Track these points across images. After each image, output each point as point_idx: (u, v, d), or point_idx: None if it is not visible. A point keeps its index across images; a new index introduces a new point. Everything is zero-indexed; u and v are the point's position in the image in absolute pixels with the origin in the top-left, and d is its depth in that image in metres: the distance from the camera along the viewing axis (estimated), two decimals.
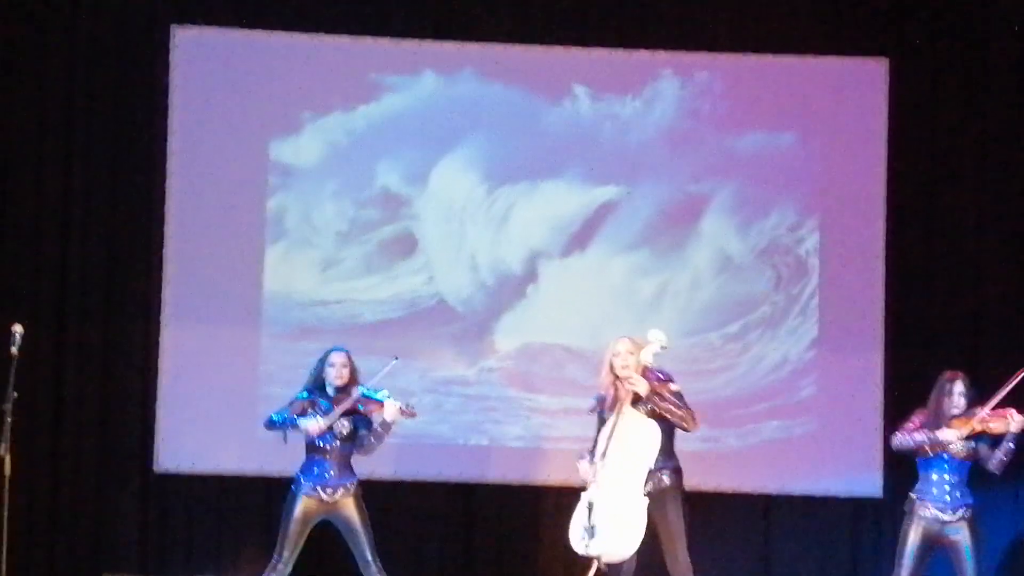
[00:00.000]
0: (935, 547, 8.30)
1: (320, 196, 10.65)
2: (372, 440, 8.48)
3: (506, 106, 10.75)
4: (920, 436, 8.24)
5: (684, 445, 8.63)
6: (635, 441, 8.21)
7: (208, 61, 10.57)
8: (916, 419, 8.36)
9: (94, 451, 10.25)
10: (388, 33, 10.61)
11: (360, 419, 8.50)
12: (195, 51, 10.54)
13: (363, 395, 8.44)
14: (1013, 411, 8.11)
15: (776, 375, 10.73)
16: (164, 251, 10.42)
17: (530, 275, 10.76)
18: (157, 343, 10.35)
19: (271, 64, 10.60)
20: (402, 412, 8.43)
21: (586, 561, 8.10)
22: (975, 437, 8.20)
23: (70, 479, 10.21)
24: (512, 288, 10.74)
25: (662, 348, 8.38)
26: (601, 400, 8.52)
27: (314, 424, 8.40)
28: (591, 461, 8.23)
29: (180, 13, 10.44)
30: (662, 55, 10.71)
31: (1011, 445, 8.11)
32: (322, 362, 8.60)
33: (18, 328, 7.80)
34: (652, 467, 8.23)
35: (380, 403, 8.40)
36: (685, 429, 8.40)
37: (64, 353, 10.25)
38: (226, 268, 10.51)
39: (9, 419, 7.63)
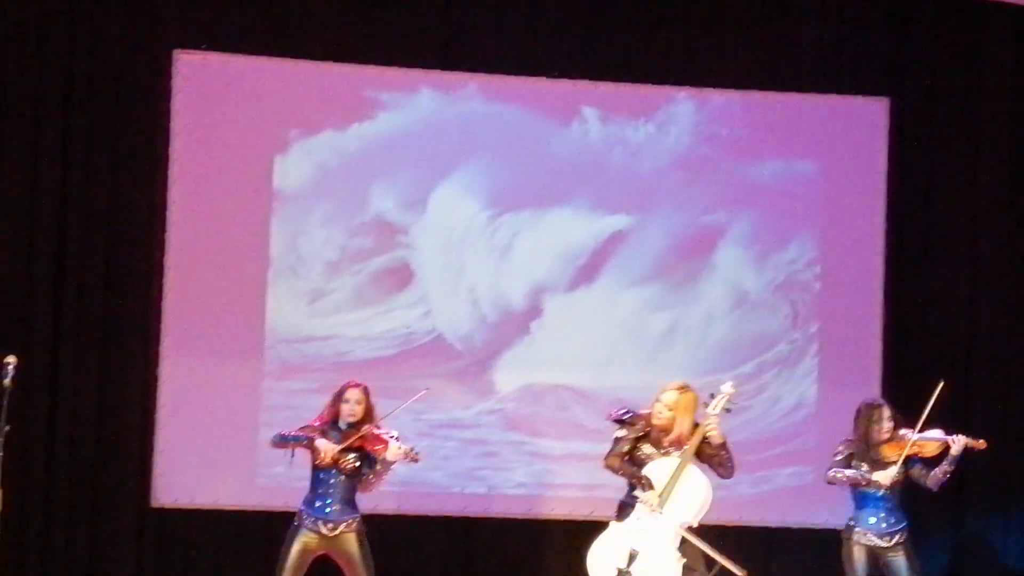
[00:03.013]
0: (878, 565, 8.47)
1: (308, 222, 10.04)
2: (372, 478, 8.29)
3: (510, 128, 10.23)
4: (852, 474, 8.43)
5: None
6: (694, 500, 8.15)
7: (210, 87, 10.00)
8: (844, 449, 8.51)
9: (89, 485, 9.87)
10: (390, 63, 10.16)
11: (366, 456, 8.25)
12: (197, 76, 9.97)
13: (372, 433, 8.18)
14: (939, 431, 8.40)
15: (791, 418, 10.35)
16: (163, 280, 9.94)
17: (534, 310, 10.25)
18: (155, 374, 9.91)
19: (272, 89, 10.04)
20: (405, 455, 8.17)
21: None
22: (907, 461, 8.39)
23: (64, 513, 9.83)
24: (514, 324, 10.23)
25: (732, 401, 8.27)
26: (636, 418, 8.28)
27: (328, 446, 8.12)
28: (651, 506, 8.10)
29: (182, 39, 10.00)
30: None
31: (951, 465, 8.38)
32: (337, 396, 8.32)
33: (11, 360, 7.70)
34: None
35: (385, 442, 8.14)
36: (726, 478, 8.36)
37: (59, 384, 9.83)
38: (226, 299, 9.96)
39: (0, 453, 7.56)
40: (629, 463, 8.24)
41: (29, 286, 9.80)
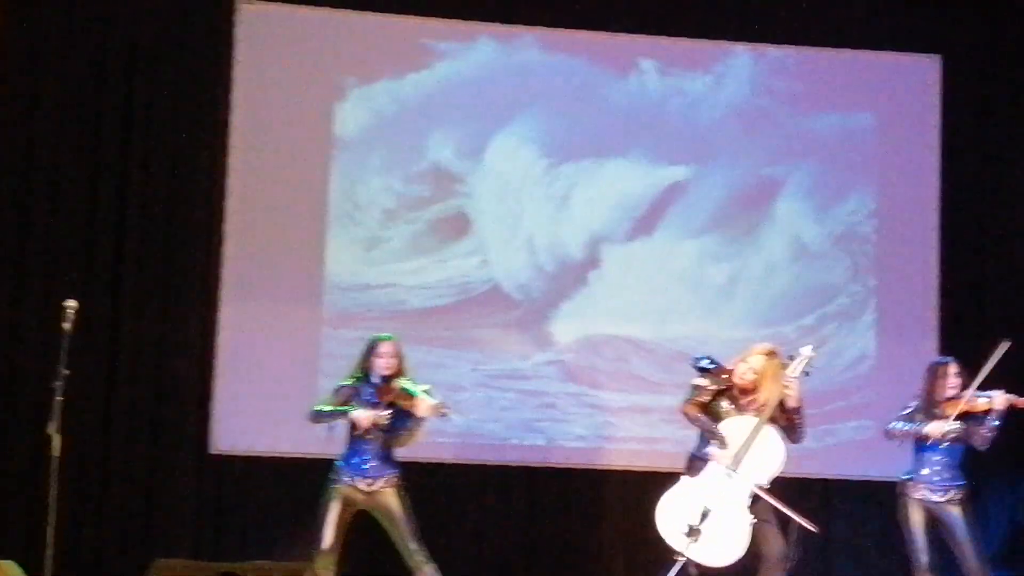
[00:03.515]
0: (936, 525, 8.36)
1: (365, 170, 9.95)
2: (406, 434, 8.17)
3: (569, 78, 10.14)
4: (905, 426, 8.37)
5: None
6: (769, 462, 8.05)
7: (271, 37, 9.96)
8: (910, 405, 8.43)
9: (147, 431, 9.78)
10: (449, 15, 10.12)
11: (400, 411, 8.13)
12: (259, 27, 9.93)
13: (402, 389, 8.10)
14: (999, 391, 8.26)
15: (853, 371, 10.21)
16: (224, 228, 9.84)
17: (592, 260, 10.11)
18: (215, 322, 9.80)
19: (331, 40, 10.00)
20: (435, 410, 8.07)
21: (674, 552, 7.95)
22: (964, 417, 8.30)
23: (122, 459, 9.73)
24: (572, 274, 10.09)
25: (811, 364, 8.15)
26: (720, 370, 8.14)
27: (364, 416, 8.04)
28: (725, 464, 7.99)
29: None
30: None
31: (995, 422, 8.26)
32: (369, 350, 8.18)
33: (71, 303, 7.64)
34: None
35: (416, 399, 8.05)
36: (795, 443, 8.23)
37: (119, 331, 9.74)
38: (285, 246, 9.86)
39: (60, 397, 7.50)
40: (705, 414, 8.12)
41: (91, 232, 9.74)
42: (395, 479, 8.18)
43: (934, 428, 8.26)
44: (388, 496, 8.15)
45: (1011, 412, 8.29)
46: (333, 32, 10.01)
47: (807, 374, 8.14)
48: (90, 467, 9.60)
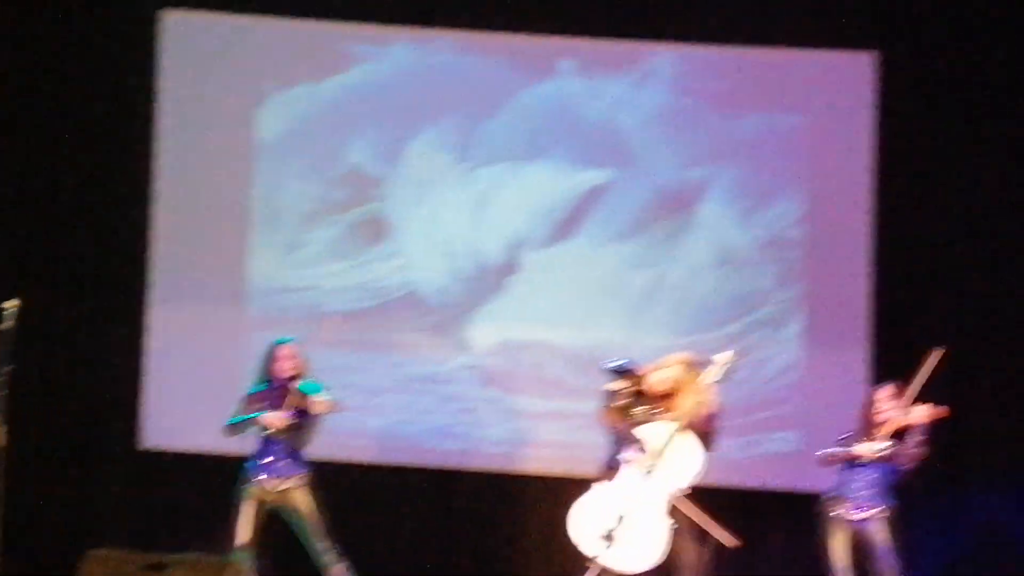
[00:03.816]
0: (857, 543, 8.35)
1: (286, 174, 10.05)
2: (304, 432, 8.49)
3: (485, 82, 10.08)
4: (835, 450, 8.38)
5: None
6: (687, 467, 7.98)
7: (197, 45, 10.12)
8: (849, 433, 8.43)
9: (82, 426, 10.05)
10: (363, 18, 10.16)
11: (303, 411, 8.46)
12: (184, 35, 10.09)
13: (299, 389, 8.40)
14: (921, 406, 8.24)
15: (779, 382, 10.01)
16: (153, 231, 10.06)
17: (511, 265, 10.06)
18: (144, 323, 10.04)
19: (253, 46, 10.11)
20: (331, 408, 8.40)
21: (588, 560, 7.91)
22: (898, 435, 8.27)
23: (57, 453, 10.02)
24: (491, 278, 10.05)
25: (731, 369, 8.06)
26: (633, 374, 8.10)
27: (272, 418, 8.38)
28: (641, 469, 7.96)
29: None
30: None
31: (919, 438, 8.21)
32: (270, 354, 8.56)
33: (10, 304, 8.00)
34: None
35: (311, 397, 8.38)
36: (708, 451, 8.13)
37: (55, 328, 9.96)
38: (211, 250, 10.05)
39: (5, 392, 8.04)
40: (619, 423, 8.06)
41: (26, 236, 10.01)
42: (304, 478, 8.44)
43: (864, 449, 8.25)
44: (297, 495, 8.41)
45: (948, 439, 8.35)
46: (253, 38, 10.10)
47: (726, 380, 8.04)
48: (29, 461, 9.66)
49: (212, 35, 10.11)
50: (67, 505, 9.97)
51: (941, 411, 8.21)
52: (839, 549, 8.29)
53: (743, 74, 10.13)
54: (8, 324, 7.98)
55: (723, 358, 8.03)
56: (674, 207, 10.07)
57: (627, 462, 7.96)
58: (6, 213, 10.06)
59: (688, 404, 7.94)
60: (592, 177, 10.02)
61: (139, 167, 10.07)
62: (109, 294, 10.09)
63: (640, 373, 8.09)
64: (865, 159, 10.10)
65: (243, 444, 9.42)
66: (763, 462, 9.98)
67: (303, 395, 8.37)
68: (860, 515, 8.26)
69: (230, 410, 8.56)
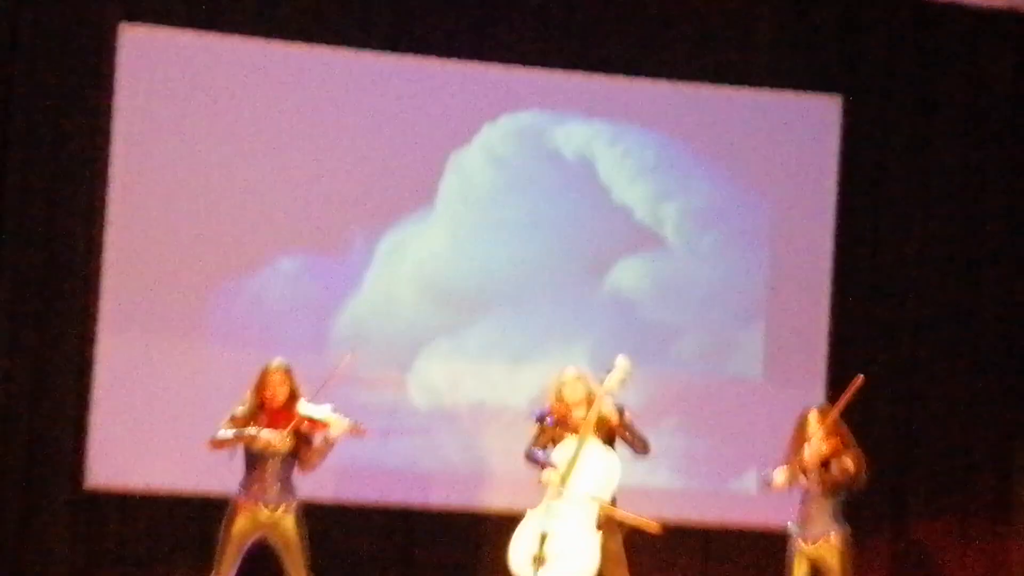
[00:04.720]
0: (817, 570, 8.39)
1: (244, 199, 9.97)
2: (314, 457, 8.20)
3: (457, 108, 10.22)
4: (767, 476, 8.40)
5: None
6: (600, 473, 8.06)
7: (156, 61, 9.84)
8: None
9: (22, 465, 9.70)
10: (330, 41, 10.08)
11: (301, 436, 8.16)
12: (143, 51, 9.81)
13: (304, 414, 8.08)
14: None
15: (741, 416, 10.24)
16: (103, 257, 9.76)
17: (475, 298, 10.16)
18: (92, 353, 9.73)
19: (220, 66, 9.93)
20: (351, 431, 8.12)
21: None
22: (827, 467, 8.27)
23: None
24: (453, 311, 10.12)
25: (627, 376, 8.10)
26: (545, 416, 8.24)
27: (276, 437, 8.04)
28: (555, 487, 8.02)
29: (128, 12, 9.85)
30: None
31: (834, 467, 8.21)
32: (262, 378, 8.19)
33: None
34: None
35: (324, 422, 8.08)
36: (642, 454, 8.26)
37: None
38: (166, 275, 9.79)
39: None
40: (538, 453, 8.18)
41: None
42: (294, 506, 8.17)
43: (775, 476, 8.32)
44: (288, 522, 8.14)
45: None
46: (213, 56, 9.92)
47: (623, 388, 8.10)
48: None
49: (171, 51, 9.84)
50: (5, 549, 9.60)
51: (839, 441, 8.24)
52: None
53: (709, 112, 10.32)
54: None
55: (621, 363, 8.11)
56: (638, 241, 10.22)
57: (543, 483, 8.08)
58: None
59: (589, 416, 8.03)
60: (556, 212, 10.16)
61: (91, 188, 9.73)
62: (54, 322, 9.67)
63: (551, 409, 8.23)
64: (829, 199, 10.38)
65: (197, 482, 9.40)
66: (725, 499, 10.20)
67: (310, 419, 8.08)
68: (810, 545, 8.32)
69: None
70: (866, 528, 9.62)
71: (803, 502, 8.37)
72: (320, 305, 9.94)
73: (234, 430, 8.07)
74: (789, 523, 8.45)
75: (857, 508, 8.70)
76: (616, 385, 8.09)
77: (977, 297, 10.48)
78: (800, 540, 8.35)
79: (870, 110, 10.51)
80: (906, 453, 10.14)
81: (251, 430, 8.04)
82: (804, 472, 8.28)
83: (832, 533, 8.31)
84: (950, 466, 10.31)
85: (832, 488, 8.27)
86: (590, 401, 8.12)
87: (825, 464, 8.27)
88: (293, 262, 9.94)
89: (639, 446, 8.21)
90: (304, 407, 8.11)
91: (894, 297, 10.47)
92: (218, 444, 8.09)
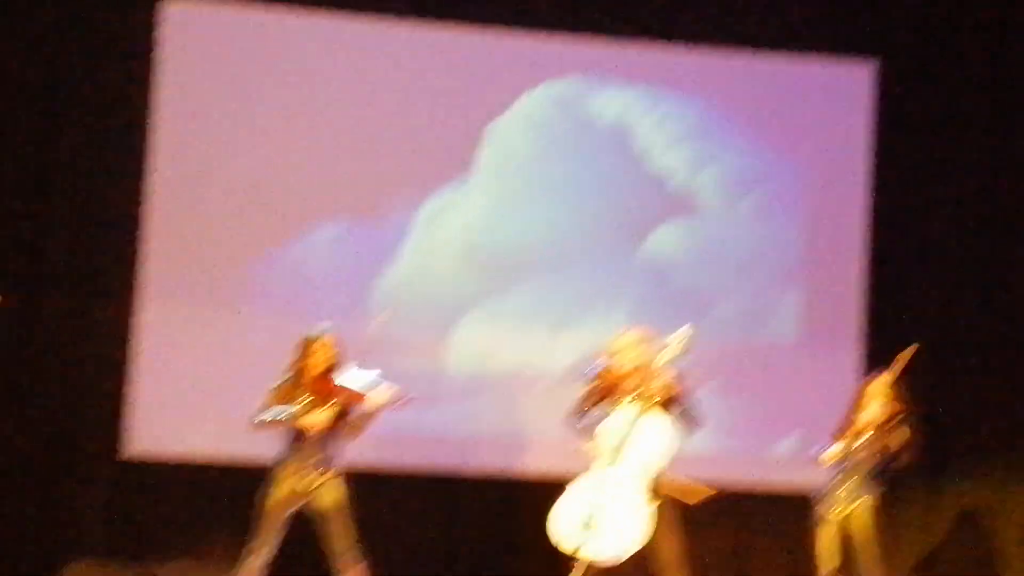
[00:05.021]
0: (845, 535, 8.45)
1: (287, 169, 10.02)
2: (357, 426, 8.20)
3: (495, 78, 10.24)
4: (828, 450, 8.43)
5: None
6: (652, 447, 8.08)
7: (196, 37, 9.90)
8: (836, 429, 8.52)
9: (63, 433, 9.71)
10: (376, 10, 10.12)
11: (344, 407, 8.16)
12: (185, 23, 9.87)
13: (343, 386, 8.09)
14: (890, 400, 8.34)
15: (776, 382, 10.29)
16: (146, 226, 9.81)
17: (514, 264, 10.21)
18: (131, 323, 9.77)
19: (260, 38, 9.97)
20: (393, 400, 8.11)
21: (573, 558, 8.01)
22: (883, 431, 8.36)
23: (37, 463, 9.68)
24: (493, 278, 10.17)
25: (689, 346, 8.10)
26: (595, 376, 8.25)
27: (318, 418, 8.04)
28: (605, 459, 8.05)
29: None
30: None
31: (894, 435, 8.29)
32: (305, 345, 8.17)
33: None
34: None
35: (364, 392, 8.07)
36: (692, 430, 8.26)
37: (35, 330, 9.71)
38: (207, 243, 9.85)
39: None
40: (587, 419, 8.21)
41: (11, 229, 9.69)
42: (335, 474, 8.18)
43: (825, 456, 8.44)
44: (329, 492, 8.14)
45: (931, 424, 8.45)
46: (256, 30, 9.98)
47: (683, 358, 8.12)
48: (5, 469, 9.57)
49: (211, 23, 9.92)
50: (44, 517, 9.62)
51: (900, 407, 8.39)
52: (826, 541, 8.45)
53: (745, 77, 10.34)
54: None
55: (682, 333, 8.12)
56: (675, 207, 10.26)
57: (595, 453, 8.11)
58: None
59: (649, 385, 8.07)
60: (593, 178, 10.20)
61: (133, 160, 9.78)
62: (96, 292, 9.73)
63: (602, 372, 8.26)
64: (864, 163, 10.38)
65: (233, 449, 9.44)
66: (759, 462, 10.23)
67: (349, 392, 8.10)
68: (843, 508, 8.41)
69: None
70: (900, 492, 9.67)
71: (840, 467, 8.44)
72: (360, 272, 9.97)
73: (272, 412, 8.06)
74: (819, 487, 8.53)
75: (893, 472, 8.73)
76: (678, 355, 8.07)
77: (1012, 259, 10.44)
78: (830, 504, 8.43)
79: (904, 74, 10.46)
80: (941, 416, 10.14)
81: (290, 411, 8.04)
82: (857, 436, 8.35)
83: (863, 499, 8.41)
84: (987, 428, 10.29)
85: (883, 454, 8.35)
86: (644, 369, 8.12)
87: (878, 429, 8.34)
88: (333, 230, 9.97)
89: (691, 421, 8.21)
90: (344, 378, 8.10)
91: (929, 260, 10.44)
92: (260, 426, 8.11)
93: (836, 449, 8.41)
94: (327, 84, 10.00)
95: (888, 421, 8.39)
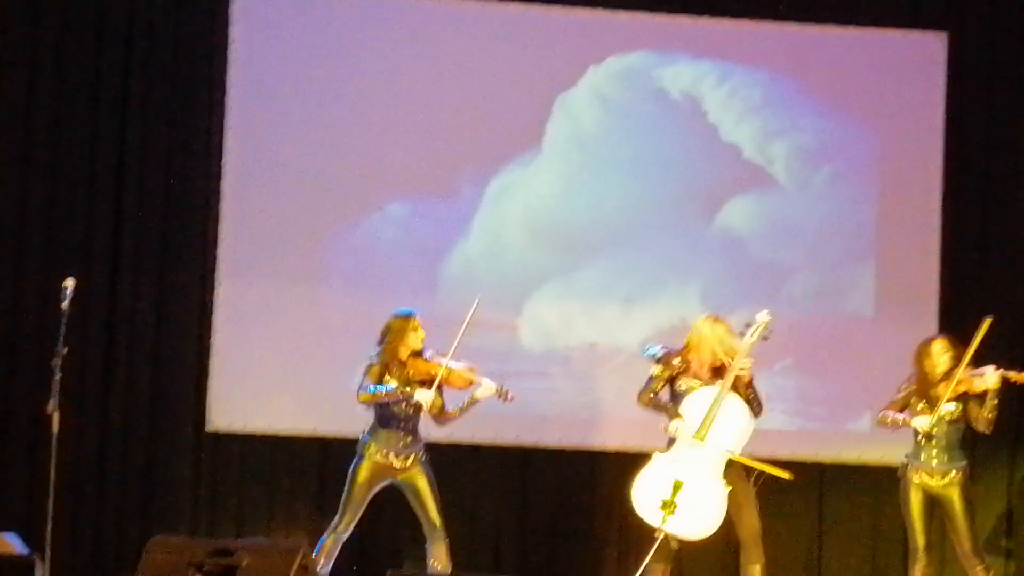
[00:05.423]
0: (935, 507, 8.37)
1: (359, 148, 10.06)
2: (456, 414, 8.26)
3: (565, 53, 10.18)
4: (895, 418, 8.33)
5: None
6: (736, 428, 8.11)
7: (267, 17, 10.00)
8: (904, 387, 8.42)
9: (145, 409, 9.85)
10: None
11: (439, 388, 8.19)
12: (254, 7, 9.98)
13: (447, 368, 8.10)
14: (991, 367, 8.19)
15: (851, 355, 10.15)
16: (221, 204, 9.93)
17: (586, 241, 10.17)
18: (212, 299, 9.89)
19: (331, 15, 10.04)
20: (497, 394, 8.14)
21: (654, 531, 8.02)
22: (963, 398, 8.25)
23: (120, 437, 9.82)
24: (565, 255, 10.13)
25: (769, 332, 8.12)
26: (670, 357, 8.21)
27: (430, 398, 8.08)
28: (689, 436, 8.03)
29: None
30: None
31: (994, 401, 8.18)
32: (395, 325, 8.20)
33: (69, 282, 7.98)
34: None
35: (469, 380, 8.13)
36: (755, 416, 8.28)
37: (116, 308, 9.84)
38: (281, 221, 9.93)
39: (59, 375, 7.81)
40: (661, 398, 8.21)
41: (89, 210, 9.83)
42: (423, 453, 8.25)
43: (918, 423, 8.29)
44: (418, 472, 8.19)
45: (1011, 388, 8.31)
46: (328, 7, 10.06)
47: (765, 340, 8.13)
48: (89, 444, 9.68)
49: (283, 6, 10.01)
50: (132, 491, 9.76)
51: (1019, 376, 8.24)
52: (916, 513, 8.34)
53: (815, 50, 10.25)
54: (65, 304, 7.93)
55: (760, 319, 8.11)
56: (747, 180, 10.17)
57: (677, 432, 8.10)
58: (74, 189, 9.82)
59: (732, 368, 8.07)
60: (664, 152, 10.14)
61: (208, 142, 9.92)
62: (175, 269, 9.88)
63: (678, 351, 8.24)
64: (938, 135, 10.26)
65: (313, 424, 9.62)
66: (839, 437, 10.13)
67: (459, 375, 8.12)
68: (936, 481, 8.30)
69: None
70: (984, 461, 9.67)
71: (923, 436, 8.32)
72: (431, 249, 9.99)
73: (388, 387, 8.06)
74: (904, 456, 8.43)
75: (974, 441, 8.73)
76: (757, 341, 8.11)
77: None
78: (921, 474, 8.32)
79: (976, 46, 10.32)
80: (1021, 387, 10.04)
81: (405, 388, 8.08)
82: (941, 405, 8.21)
83: (955, 469, 8.30)
84: None
85: (985, 425, 8.23)
86: (718, 356, 8.13)
87: (960, 399, 8.23)
88: (404, 206, 9.99)
89: (756, 408, 8.22)
90: (442, 361, 8.12)
91: (1004, 232, 10.30)
92: (370, 399, 8.11)
93: (926, 422, 8.25)
94: (395, 62, 10.02)
95: (972, 392, 8.26)
